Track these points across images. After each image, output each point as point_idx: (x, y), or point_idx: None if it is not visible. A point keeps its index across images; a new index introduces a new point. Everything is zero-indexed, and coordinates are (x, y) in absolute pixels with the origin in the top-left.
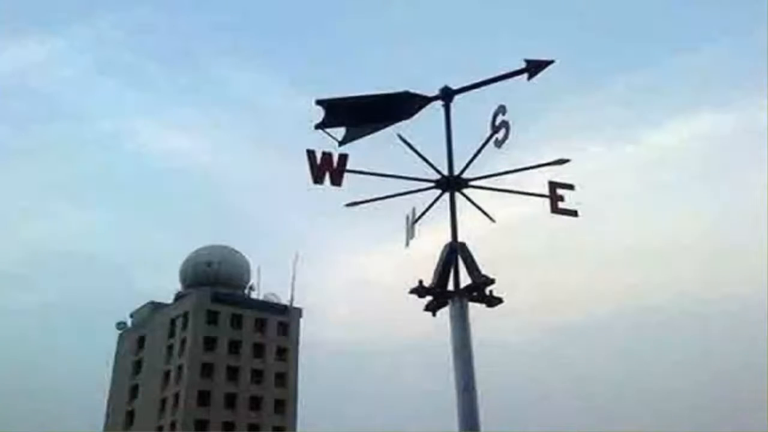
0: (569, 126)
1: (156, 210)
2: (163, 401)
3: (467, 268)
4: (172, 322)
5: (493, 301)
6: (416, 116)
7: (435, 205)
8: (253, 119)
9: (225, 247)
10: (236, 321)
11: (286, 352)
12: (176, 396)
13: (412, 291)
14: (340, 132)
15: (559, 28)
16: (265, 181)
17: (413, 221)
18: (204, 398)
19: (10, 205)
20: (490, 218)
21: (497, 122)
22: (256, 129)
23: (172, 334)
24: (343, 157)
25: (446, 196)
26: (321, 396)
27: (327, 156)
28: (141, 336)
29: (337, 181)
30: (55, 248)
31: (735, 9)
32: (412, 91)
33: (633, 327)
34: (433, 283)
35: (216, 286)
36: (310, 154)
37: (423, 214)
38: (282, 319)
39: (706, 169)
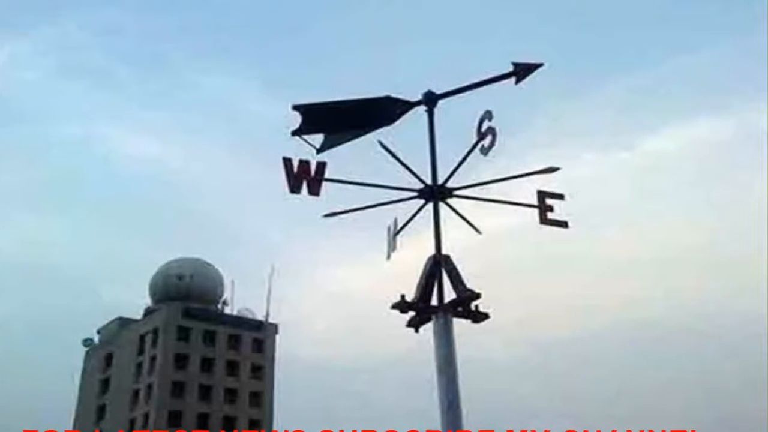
0: (559, 132)
1: (124, 219)
2: (132, 422)
3: (451, 281)
4: (142, 338)
5: (478, 317)
6: (398, 122)
7: (418, 216)
8: (228, 125)
9: (197, 260)
10: (209, 337)
11: (261, 370)
12: (146, 416)
13: (394, 306)
14: (318, 139)
15: (548, 29)
16: (240, 189)
17: (395, 233)
18: (175, 419)
19: None
20: (476, 229)
21: (483, 128)
22: (230, 136)
23: (141, 352)
24: (321, 165)
25: (429, 206)
26: (298, 416)
27: (304, 164)
28: (108, 353)
29: (314, 190)
30: (17, 259)
31: (734, 8)
32: (393, 95)
33: (626, 342)
34: (415, 297)
35: (187, 301)
36: (287, 161)
37: (405, 225)
38: (257, 336)
39: (704, 176)
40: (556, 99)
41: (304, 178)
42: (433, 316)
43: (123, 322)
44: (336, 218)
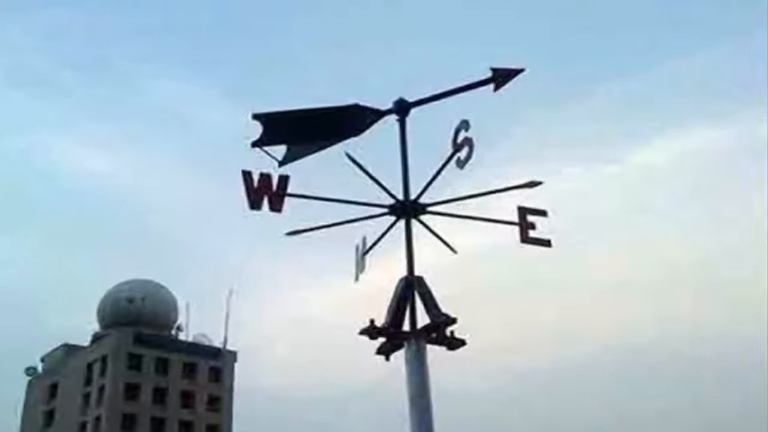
0: (542, 143)
1: (71, 238)
2: None
3: (425, 305)
4: (89, 367)
5: (454, 343)
6: (367, 132)
7: (388, 234)
8: (182, 136)
9: (149, 282)
10: (162, 366)
11: (219, 401)
12: None
13: (363, 332)
14: (280, 150)
15: (530, 31)
16: (195, 206)
17: (364, 252)
18: None
19: None
20: (452, 249)
21: (459, 139)
22: (184, 147)
23: (88, 381)
24: (284, 179)
25: (401, 223)
26: None
27: (265, 178)
28: (53, 383)
29: (276, 206)
30: None
31: (732, 8)
32: (362, 103)
33: (615, 371)
34: (386, 322)
35: (139, 326)
36: (246, 175)
37: (375, 243)
38: (214, 364)
39: (700, 190)
40: (538, 107)
41: (265, 193)
42: (405, 343)
43: (69, 350)
44: (300, 237)
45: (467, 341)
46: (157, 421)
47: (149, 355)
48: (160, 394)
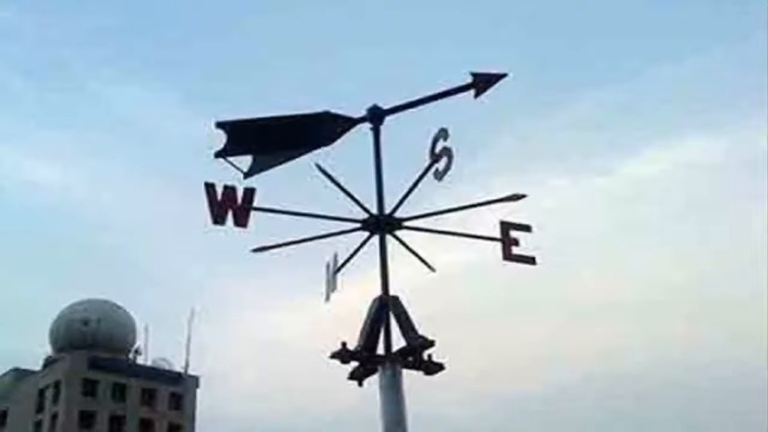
0: (525, 154)
1: (20, 256)
2: None
3: (401, 327)
4: (41, 393)
5: (432, 368)
6: (339, 142)
7: (362, 251)
8: (140, 145)
9: (105, 302)
10: (119, 392)
11: (180, 430)
12: None
13: (334, 355)
14: (245, 161)
15: (513, 34)
16: (154, 221)
17: (335, 270)
18: None
19: None
20: (429, 266)
21: (437, 149)
22: (143, 157)
23: (40, 408)
24: (249, 192)
25: (375, 239)
26: None
27: (229, 190)
28: (2, 410)
29: (241, 220)
30: None
31: (726, 11)
32: (333, 110)
33: (603, 399)
34: (359, 345)
35: (94, 350)
36: (209, 188)
37: (347, 261)
38: (175, 390)
39: (693, 205)
40: (522, 115)
41: (229, 206)
42: (380, 367)
43: (19, 374)
44: (267, 253)
45: (446, 365)
46: None
47: (105, 381)
48: (117, 423)
